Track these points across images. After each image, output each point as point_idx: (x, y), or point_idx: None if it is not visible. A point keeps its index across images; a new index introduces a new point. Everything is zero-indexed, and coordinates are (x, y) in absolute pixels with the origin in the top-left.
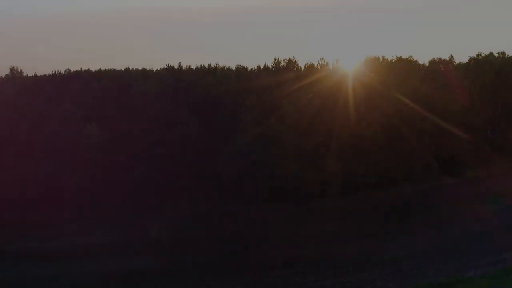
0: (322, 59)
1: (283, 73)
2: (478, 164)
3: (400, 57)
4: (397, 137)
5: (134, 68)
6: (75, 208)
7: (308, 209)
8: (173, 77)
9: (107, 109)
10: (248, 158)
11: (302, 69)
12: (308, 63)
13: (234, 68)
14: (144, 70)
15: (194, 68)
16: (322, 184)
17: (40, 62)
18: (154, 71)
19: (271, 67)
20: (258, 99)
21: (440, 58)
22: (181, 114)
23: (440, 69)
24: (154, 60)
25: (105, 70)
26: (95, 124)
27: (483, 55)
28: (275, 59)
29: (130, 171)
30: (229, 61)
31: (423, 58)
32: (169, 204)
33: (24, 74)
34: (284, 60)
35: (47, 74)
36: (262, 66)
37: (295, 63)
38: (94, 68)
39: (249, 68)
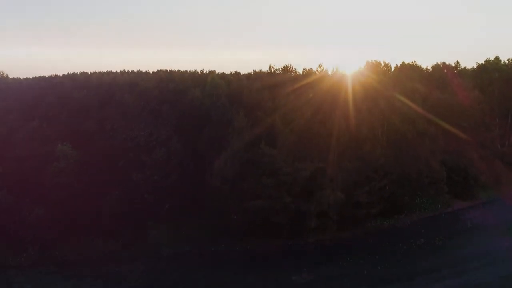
0: (321, 66)
1: (278, 85)
2: (491, 184)
3: (403, 62)
4: (404, 159)
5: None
6: (35, 248)
7: (303, 245)
8: (159, 86)
9: (84, 124)
10: (235, 186)
11: (301, 76)
12: (307, 69)
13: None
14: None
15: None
16: (319, 217)
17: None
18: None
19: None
20: (249, 117)
21: (444, 63)
22: (163, 132)
23: (445, 75)
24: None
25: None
26: (68, 143)
27: (491, 61)
28: (270, 66)
29: (103, 199)
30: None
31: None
32: (145, 242)
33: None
34: (279, 69)
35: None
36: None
37: (291, 70)
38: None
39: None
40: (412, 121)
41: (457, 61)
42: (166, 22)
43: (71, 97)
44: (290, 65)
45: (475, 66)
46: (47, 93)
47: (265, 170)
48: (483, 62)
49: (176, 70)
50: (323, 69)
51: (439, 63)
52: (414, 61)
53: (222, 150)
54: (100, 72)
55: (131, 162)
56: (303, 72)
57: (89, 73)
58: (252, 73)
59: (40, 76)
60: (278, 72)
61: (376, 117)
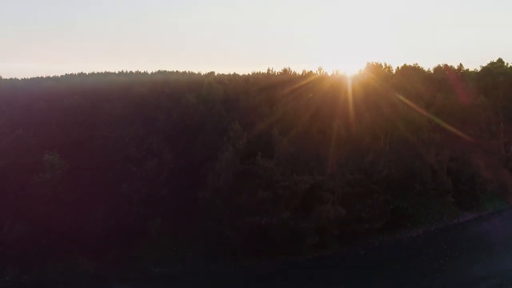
0: (321, 68)
1: (276, 88)
2: (498, 193)
3: (405, 64)
4: (408, 170)
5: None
6: (16, 268)
7: (302, 262)
8: (154, 91)
9: (74, 132)
10: (230, 200)
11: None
12: (306, 71)
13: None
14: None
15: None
16: (319, 233)
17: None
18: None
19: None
20: (245, 124)
21: (446, 65)
22: (155, 141)
23: (448, 77)
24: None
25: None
26: (56, 152)
27: (494, 63)
28: (269, 69)
29: (90, 214)
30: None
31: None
32: (134, 260)
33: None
34: (278, 73)
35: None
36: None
37: (290, 72)
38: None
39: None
40: (417, 129)
41: (460, 64)
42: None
43: (62, 103)
44: (289, 68)
45: (478, 68)
46: (38, 98)
47: (261, 183)
48: (486, 65)
49: (175, 71)
50: (322, 72)
51: (441, 65)
52: (416, 64)
53: (217, 161)
54: (98, 73)
55: (121, 173)
56: (302, 74)
57: (87, 73)
58: (250, 74)
59: (36, 77)
60: (276, 74)
61: (379, 125)
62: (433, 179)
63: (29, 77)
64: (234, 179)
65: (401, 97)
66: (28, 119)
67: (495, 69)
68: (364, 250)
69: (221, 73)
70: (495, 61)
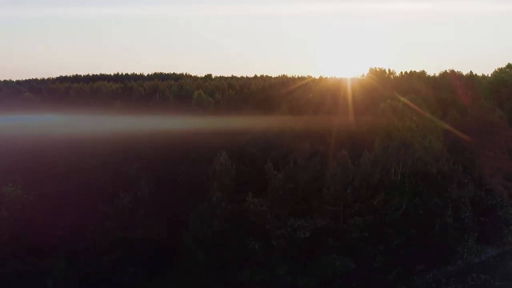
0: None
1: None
2: None
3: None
4: (426, 210)
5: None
6: None
7: None
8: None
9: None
10: (215, 250)
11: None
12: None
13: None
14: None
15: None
16: None
17: None
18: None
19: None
20: (233, 155)
21: (452, 70)
22: (131, 170)
23: (455, 86)
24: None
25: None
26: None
27: (503, 69)
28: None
29: (53, 261)
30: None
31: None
32: None
33: None
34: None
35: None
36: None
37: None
38: None
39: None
40: (435, 160)
41: (471, 71)
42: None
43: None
44: (285, 75)
45: (485, 72)
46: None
47: (252, 229)
48: (496, 71)
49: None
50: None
51: (447, 71)
52: (423, 70)
53: (201, 198)
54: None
55: (88, 211)
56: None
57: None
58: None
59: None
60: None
61: (389, 153)
62: (455, 217)
63: None
64: (220, 223)
65: (414, 126)
66: None
67: (510, 78)
68: None
69: (218, 76)
70: (503, 66)
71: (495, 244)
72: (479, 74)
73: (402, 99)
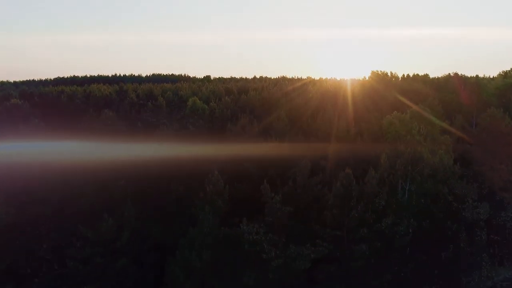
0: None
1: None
2: None
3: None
4: (439, 232)
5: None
6: None
7: None
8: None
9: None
10: (205, 284)
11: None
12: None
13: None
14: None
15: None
16: None
17: None
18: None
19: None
20: (226, 172)
21: (456, 73)
22: (116, 190)
23: (459, 90)
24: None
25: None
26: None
27: (507, 72)
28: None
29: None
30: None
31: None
32: None
33: None
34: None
35: None
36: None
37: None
38: None
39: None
40: (445, 178)
41: (477, 75)
42: None
43: None
44: (285, 76)
45: (486, 73)
46: None
47: (247, 259)
48: (501, 73)
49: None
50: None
51: (451, 73)
52: (426, 74)
53: (191, 222)
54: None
55: (66, 236)
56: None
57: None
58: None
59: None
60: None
61: (395, 169)
62: (469, 240)
63: None
64: (211, 252)
65: (421, 137)
66: None
67: None
68: None
69: (217, 77)
70: (508, 69)
71: (507, 264)
72: (480, 75)
73: (410, 108)
